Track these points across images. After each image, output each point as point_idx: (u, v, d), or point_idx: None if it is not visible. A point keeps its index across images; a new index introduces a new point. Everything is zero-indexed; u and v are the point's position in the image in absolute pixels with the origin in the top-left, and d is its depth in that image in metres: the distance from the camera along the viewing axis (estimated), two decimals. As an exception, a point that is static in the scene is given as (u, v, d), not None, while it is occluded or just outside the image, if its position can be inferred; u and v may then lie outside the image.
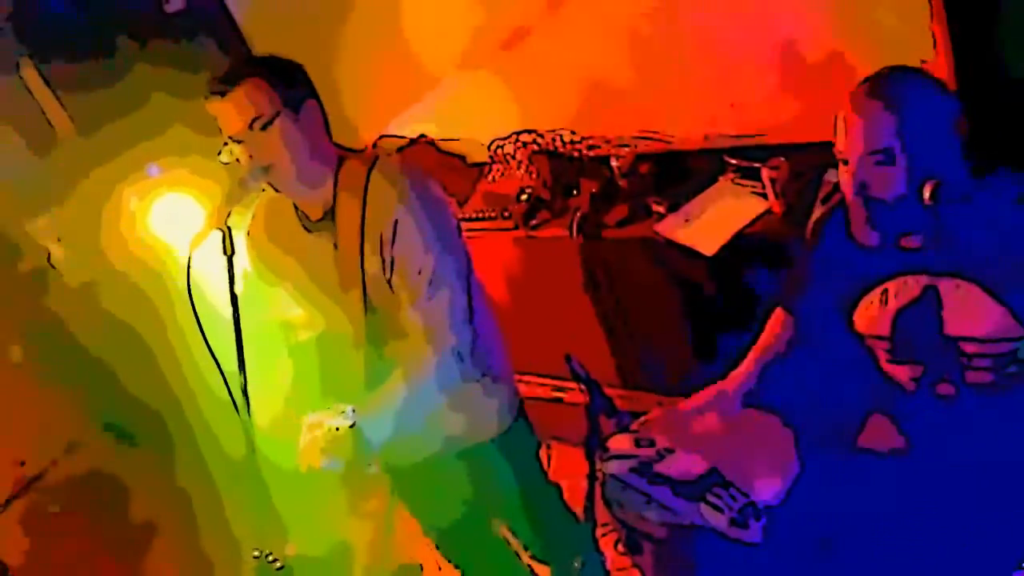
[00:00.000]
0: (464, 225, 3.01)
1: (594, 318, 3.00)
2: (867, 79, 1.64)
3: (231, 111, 1.84)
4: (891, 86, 1.61)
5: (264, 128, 1.84)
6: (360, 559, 3.35)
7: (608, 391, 3.07)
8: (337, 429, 1.83)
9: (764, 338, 2.04)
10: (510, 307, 3.16)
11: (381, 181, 1.94)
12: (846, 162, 1.64)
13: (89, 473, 3.10)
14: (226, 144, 1.88)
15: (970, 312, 1.67)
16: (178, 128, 3.04)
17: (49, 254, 3.19)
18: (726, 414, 1.98)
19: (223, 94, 1.85)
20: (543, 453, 3.26)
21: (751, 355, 2.05)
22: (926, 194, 1.59)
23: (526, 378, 3.38)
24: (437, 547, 2.51)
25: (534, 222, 2.93)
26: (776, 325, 2.03)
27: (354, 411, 1.83)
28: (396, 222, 1.89)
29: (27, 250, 3.12)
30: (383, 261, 1.93)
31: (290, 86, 1.89)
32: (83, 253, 3.18)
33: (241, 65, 1.90)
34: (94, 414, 3.14)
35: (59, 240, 3.19)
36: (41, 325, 3.04)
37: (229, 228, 1.81)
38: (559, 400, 3.35)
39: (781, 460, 1.94)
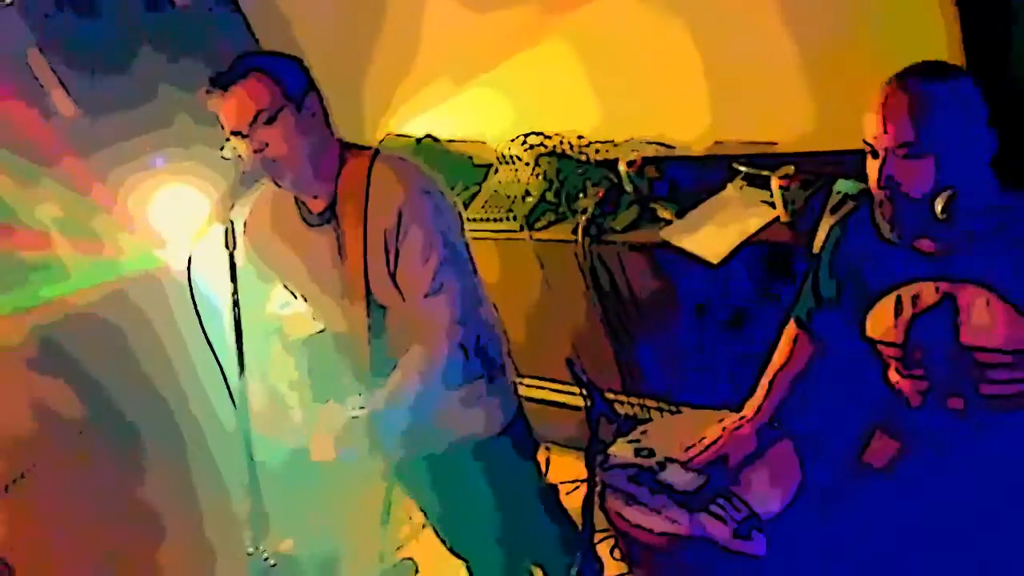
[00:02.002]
0: (469, 226, 3.01)
1: (598, 322, 2.97)
2: (900, 72, 1.62)
3: (233, 106, 1.83)
4: (924, 79, 1.58)
5: (268, 123, 1.82)
6: (355, 555, 3.33)
7: (611, 396, 3.10)
8: (354, 417, 1.82)
9: (778, 360, 2.03)
10: (512, 309, 3.15)
11: (384, 174, 1.94)
12: (875, 154, 1.62)
13: (91, 463, 3.07)
14: (228, 139, 1.87)
15: (987, 322, 1.64)
16: (183, 118, 3.05)
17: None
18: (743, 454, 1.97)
19: (225, 89, 1.83)
20: (542, 456, 3.27)
21: (765, 383, 2.04)
22: (938, 207, 1.58)
23: (527, 381, 3.36)
24: (440, 538, 2.50)
25: (539, 224, 2.90)
26: (789, 346, 2.02)
27: (368, 400, 1.83)
28: (400, 213, 1.88)
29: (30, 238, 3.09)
30: (387, 253, 1.92)
31: (292, 80, 1.88)
32: (85, 243, 3.16)
33: (242, 60, 1.88)
34: (98, 403, 3.10)
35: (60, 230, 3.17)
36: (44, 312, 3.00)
37: (232, 223, 1.80)
38: (560, 404, 3.33)
39: (783, 471, 1.93)
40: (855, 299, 1.82)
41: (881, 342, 1.79)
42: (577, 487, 3.10)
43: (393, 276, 1.94)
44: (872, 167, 1.64)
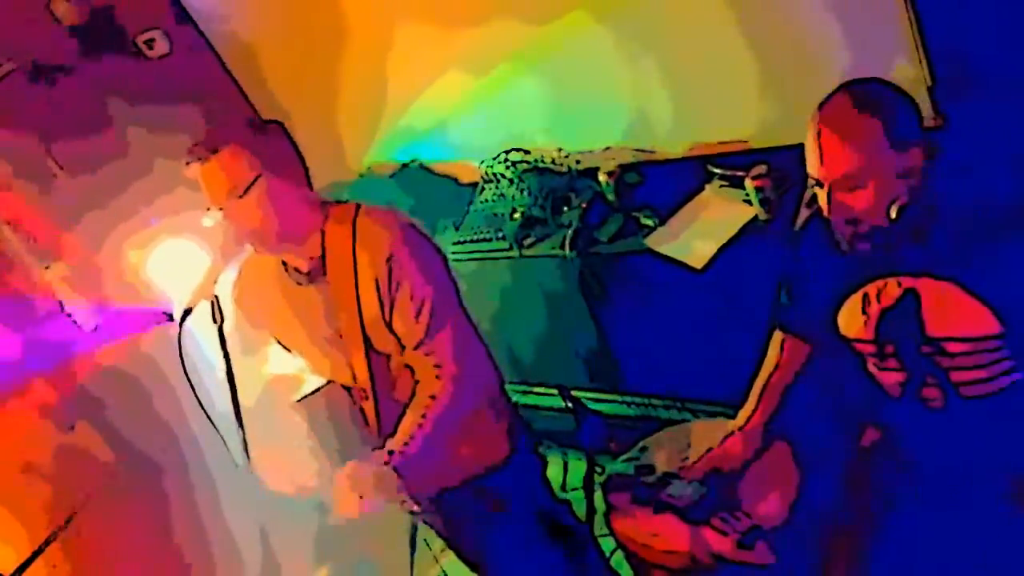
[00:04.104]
0: (461, 248, 3.07)
1: (594, 328, 3.02)
2: (831, 96, 1.62)
3: (210, 180, 1.86)
4: (857, 103, 1.59)
5: (241, 195, 1.87)
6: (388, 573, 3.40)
7: (615, 398, 3.15)
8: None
9: (767, 367, 2.06)
10: (515, 321, 3.20)
11: (368, 226, 1.96)
12: (821, 184, 1.64)
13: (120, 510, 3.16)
14: (209, 209, 1.92)
15: (949, 311, 1.67)
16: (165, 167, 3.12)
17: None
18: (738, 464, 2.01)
19: (203, 160, 1.87)
20: (559, 462, 3.32)
21: (756, 391, 2.07)
22: (893, 213, 1.60)
23: (537, 389, 3.41)
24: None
25: (528, 240, 2.94)
26: (777, 352, 2.05)
27: (391, 452, 1.86)
28: (391, 258, 1.91)
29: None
30: (381, 302, 1.95)
31: (268, 148, 1.90)
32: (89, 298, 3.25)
33: (219, 130, 1.92)
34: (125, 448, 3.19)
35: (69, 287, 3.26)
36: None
37: (216, 297, 1.85)
38: (570, 408, 3.37)
39: (781, 477, 1.96)
40: (824, 299, 1.85)
41: (855, 340, 1.82)
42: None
43: (389, 324, 1.98)
44: (821, 195, 1.65)
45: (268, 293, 2.11)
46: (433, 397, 1.96)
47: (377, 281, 1.94)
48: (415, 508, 1.83)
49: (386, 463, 1.85)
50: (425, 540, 3.03)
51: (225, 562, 3.19)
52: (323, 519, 3.07)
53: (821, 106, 1.62)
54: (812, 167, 1.63)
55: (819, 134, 1.60)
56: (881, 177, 1.58)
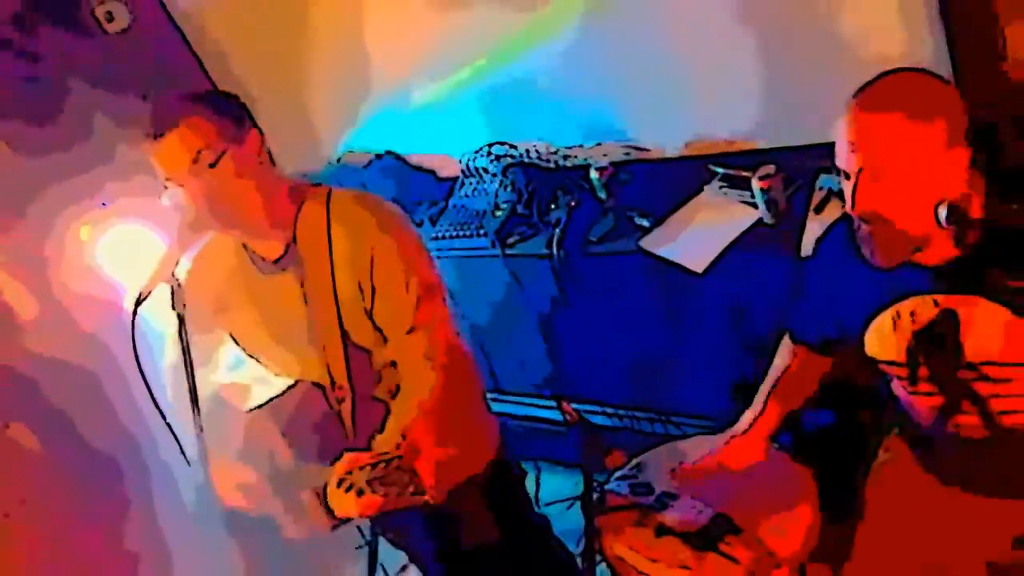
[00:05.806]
0: (437, 244, 2.88)
1: (579, 336, 2.85)
2: (869, 85, 1.46)
3: (170, 154, 1.66)
4: (897, 94, 1.43)
5: (211, 166, 1.66)
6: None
7: (597, 409, 2.99)
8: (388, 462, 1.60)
9: (774, 374, 1.90)
10: (491, 326, 3.03)
11: (346, 211, 1.80)
12: (848, 176, 1.46)
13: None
14: (167, 187, 1.70)
15: (992, 333, 1.51)
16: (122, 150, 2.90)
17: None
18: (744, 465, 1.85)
19: (160, 135, 1.66)
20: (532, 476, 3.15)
21: (761, 397, 1.90)
22: (942, 215, 1.44)
23: (511, 398, 3.24)
24: None
25: (511, 239, 2.76)
26: (786, 359, 1.89)
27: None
28: (373, 249, 1.74)
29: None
30: (362, 292, 1.77)
31: (232, 120, 1.72)
32: (30, 286, 3.01)
33: (177, 102, 1.72)
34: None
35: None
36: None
37: (178, 281, 1.65)
38: (546, 420, 3.21)
39: (796, 497, 1.80)
40: (848, 315, 1.69)
41: (882, 361, 1.67)
42: (571, 505, 2.98)
43: (370, 314, 1.80)
44: (847, 188, 1.48)
45: (223, 288, 1.91)
46: (424, 390, 1.74)
47: (358, 271, 1.76)
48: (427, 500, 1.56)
49: (390, 459, 1.60)
50: (382, 565, 2.88)
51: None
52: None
53: (858, 93, 1.45)
54: (841, 158, 1.46)
55: (854, 119, 1.43)
56: (921, 175, 1.41)
